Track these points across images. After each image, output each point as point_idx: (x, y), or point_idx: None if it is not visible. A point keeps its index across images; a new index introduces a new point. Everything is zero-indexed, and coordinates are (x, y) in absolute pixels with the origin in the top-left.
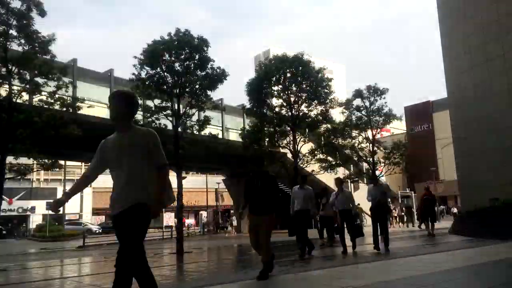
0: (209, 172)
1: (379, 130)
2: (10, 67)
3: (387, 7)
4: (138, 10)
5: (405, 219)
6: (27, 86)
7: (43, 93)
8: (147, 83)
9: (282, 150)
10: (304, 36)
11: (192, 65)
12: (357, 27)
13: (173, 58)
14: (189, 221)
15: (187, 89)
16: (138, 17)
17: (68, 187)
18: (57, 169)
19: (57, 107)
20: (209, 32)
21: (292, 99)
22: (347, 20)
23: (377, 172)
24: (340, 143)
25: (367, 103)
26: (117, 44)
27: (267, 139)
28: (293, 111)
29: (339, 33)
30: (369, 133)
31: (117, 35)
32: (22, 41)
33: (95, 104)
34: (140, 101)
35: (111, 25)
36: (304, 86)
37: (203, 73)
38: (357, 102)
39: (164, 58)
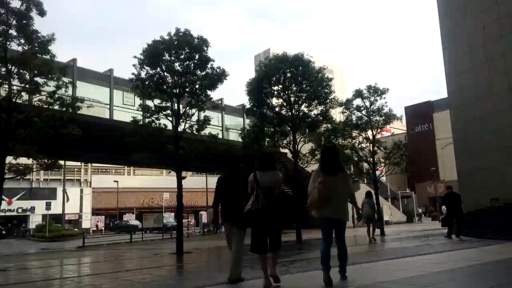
0: (209, 172)
1: (379, 130)
2: (10, 67)
3: (388, 7)
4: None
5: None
6: (27, 86)
7: (43, 93)
8: (147, 83)
9: (282, 150)
10: (304, 36)
11: (192, 65)
12: (358, 27)
13: (173, 58)
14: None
15: (187, 89)
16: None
17: (68, 187)
18: (57, 169)
19: (56, 107)
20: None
21: (292, 99)
22: (347, 21)
23: (377, 172)
24: (340, 143)
25: (367, 103)
26: None
27: (267, 139)
28: (293, 111)
29: (340, 33)
30: (369, 133)
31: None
32: (22, 41)
33: (95, 104)
34: (140, 101)
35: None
36: (304, 86)
37: (203, 73)
38: (357, 102)
39: (164, 58)
